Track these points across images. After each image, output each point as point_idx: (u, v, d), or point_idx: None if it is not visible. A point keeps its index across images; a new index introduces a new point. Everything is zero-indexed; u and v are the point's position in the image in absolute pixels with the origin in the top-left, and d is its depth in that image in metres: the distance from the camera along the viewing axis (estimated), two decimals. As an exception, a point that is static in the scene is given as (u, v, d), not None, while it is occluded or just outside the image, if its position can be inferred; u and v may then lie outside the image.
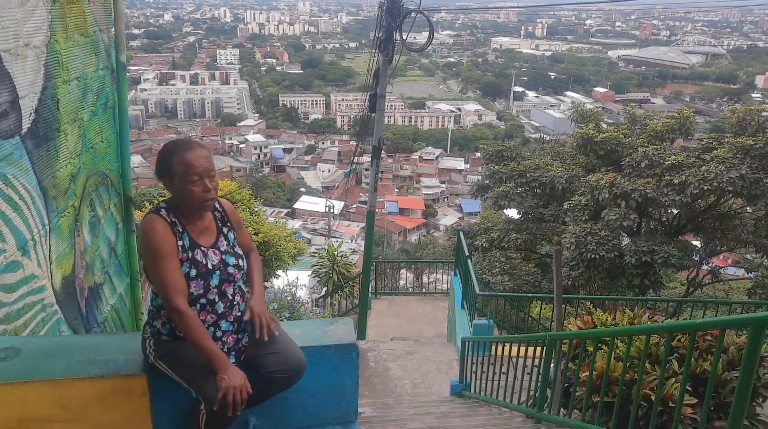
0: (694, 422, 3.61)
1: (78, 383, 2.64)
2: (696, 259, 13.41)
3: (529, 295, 11.12)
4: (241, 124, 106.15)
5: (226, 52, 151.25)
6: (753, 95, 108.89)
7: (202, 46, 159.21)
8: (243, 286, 2.75)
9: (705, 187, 11.52)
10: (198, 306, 2.54)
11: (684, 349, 4.12)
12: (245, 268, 2.71)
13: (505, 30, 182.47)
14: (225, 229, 2.70)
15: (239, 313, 2.67)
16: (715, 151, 12.39)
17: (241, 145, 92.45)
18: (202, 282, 2.52)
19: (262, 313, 2.66)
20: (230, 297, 2.62)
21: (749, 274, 13.56)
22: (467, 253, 8.77)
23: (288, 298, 8.48)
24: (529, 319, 10.35)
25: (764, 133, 12.60)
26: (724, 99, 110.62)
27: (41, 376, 2.62)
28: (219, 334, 2.59)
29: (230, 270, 2.61)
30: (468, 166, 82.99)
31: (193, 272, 2.50)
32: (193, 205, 2.50)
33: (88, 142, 3.93)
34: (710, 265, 14.78)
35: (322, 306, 11.59)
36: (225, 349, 2.60)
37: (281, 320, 3.39)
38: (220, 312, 2.58)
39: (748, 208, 13.19)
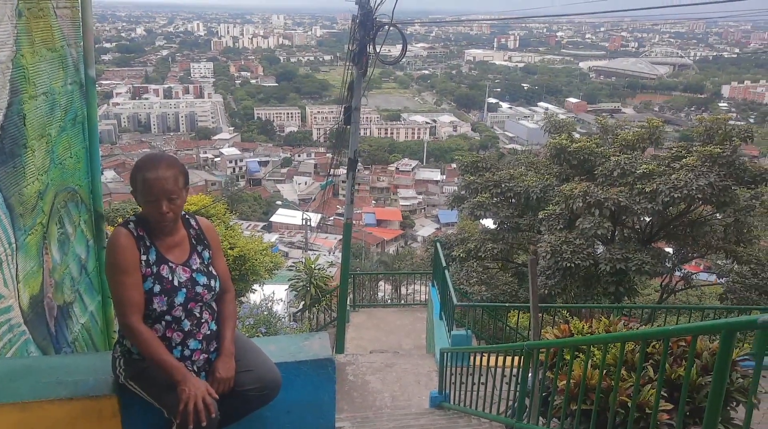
0: (670, 428, 3.64)
1: (46, 406, 2.57)
2: (669, 265, 13.64)
3: (507, 304, 11.18)
4: (216, 137, 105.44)
5: (199, 65, 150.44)
6: (719, 104, 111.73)
7: (176, 60, 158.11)
8: (213, 305, 2.69)
9: (675, 195, 11.74)
10: (163, 323, 2.48)
11: (659, 355, 4.16)
12: (217, 289, 2.65)
13: (479, 42, 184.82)
14: (200, 247, 2.64)
15: (209, 332, 2.61)
16: (684, 160, 12.65)
17: (216, 159, 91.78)
18: (166, 298, 2.46)
19: (225, 380, 2.54)
20: (197, 315, 2.56)
21: (720, 279, 13.82)
22: (444, 264, 8.78)
23: (264, 313, 8.39)
24: (507, 328, 10.38)
25: (731, 141, 12.92)
26: (692, 108, 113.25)
27: (8, 399, 2.54)
28: (187, 352, 2.54)
29: (199, 289, 2.55)
30: (444, 177, 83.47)
31: (157, 288, 2.45)
32: (152, 222, 2.46)
33: (57, 158, 3.86)
34: (683, 271, 15.03)
35: (299, 320, 11.49)
36: (195, 369, 2.54)
37: (257, 336, 3.35)
38: (186, 330, 2.53)
39: (717, 214, 13.47)
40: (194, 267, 2.57)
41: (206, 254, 2.65)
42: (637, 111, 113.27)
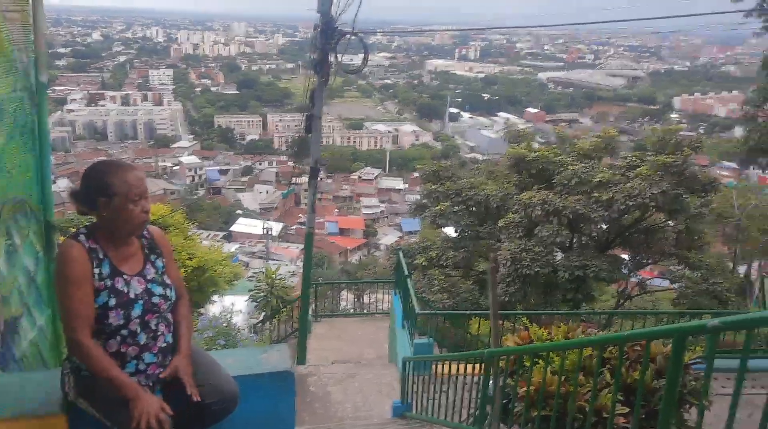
0: (626, 431, 3.72)
1: (-11, 426, 2.46)
2: (625, 271, 13.99)
3: (468, 312, 11.25)
4: (175, 145, 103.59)
5: (158, 72, 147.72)
6: (671, 116, 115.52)
7: (134, 66, 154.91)
8: (169, 317, 2.63)
9: (630, 203, 12.07)
10: (118, 337, 2.41)
11: (616, 360, 4.25)
12: (173, 298, 2.60)
13: (440, 53, 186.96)
14: (153, 257, 2.59)
15: (165, 344, 2.55)
16: (638, 169, 13.02)
17: (175, 167, 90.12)
18: (123, 312, 2.39)
19: (187, 374, 2.51)
20: (154, 327, 2.50)
21: (674, 284, 14.25)
22: (407, 273, 8.79)
23: (223, 325, 8.24)
24: (469, 336, 10.45)
25: (682, 151, 13.36)
26: (646, 119, 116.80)
27: (-52, 420, 2.42)
28: (142, 366, 2.47)
29: (155, 300, 2.49)
30: (407, 185, 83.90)
31: (113, 301, 2.38)
32: (128, 227, 2.40)
33: (4, 167, 3.71)
34: (638, 277, 15.42)
35: (260, 332, 11.33)
36: (149, 383, 2.48)
37: (216, 348, 3.29)
38: (142, 343, 2.46)
39: (670, 222, 13.90)
40: (149, 277, 2.51)
41: (160, 263, 2.59)
42: (594, 121, 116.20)
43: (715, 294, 12.35)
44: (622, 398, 3.90)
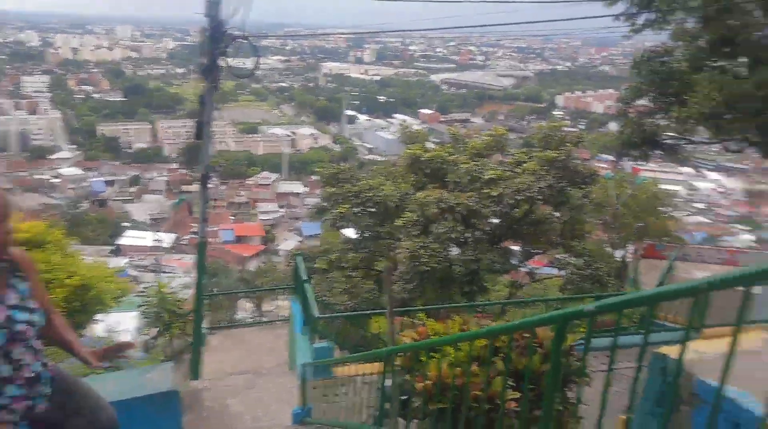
0: (518, 414, 3.84)
1: None
2: (516, 262, 14.64)
3: (366, 312, 11.30)
4: (54, 156, 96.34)
5: (33, 78, 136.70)
6: (555, 113, 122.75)
7: (5, 73, 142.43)
8: (36, 344, 2.37)
9: (519, 197, 12.65)
10: None
11: (506, 349, 4.41)
12: (41, 322, 2.35)
13: (335, 55, 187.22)
14: (15, 281, 2.33)
15: (32, 375, 2.30)
16: (525, 165, 13.66)
17: (54, 180, 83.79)
18: None
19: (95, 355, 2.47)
20: (18, 357, 2.25)
21: (561, 272, 15.08)
22: (305, 277, 8.66)
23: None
24: (369, 335, 10.48)
25: (565, 146, 14.18)
26: (533, 117, 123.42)
27: None
28: (5, 401, 2.21)
29: (19, 327, 2.25)
30: (307, 189, 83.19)
31: None
32: None
33: None
34: (529, 267, 16.19)
35: (151, 349, 10.72)
36: (15, 418, 2.22)
37: (97, 372, 3.04)
38: (4, 376, 2.21)
39: (556, 213, 14.72)
40: (10, 303, 2.26)
41: (23, 287, 2.34)
42: (485, 120, 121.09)
43: (597, 278, 13.22)
44: (513, 384, 4.05)
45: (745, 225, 56.79)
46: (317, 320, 7.63)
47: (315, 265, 13.79)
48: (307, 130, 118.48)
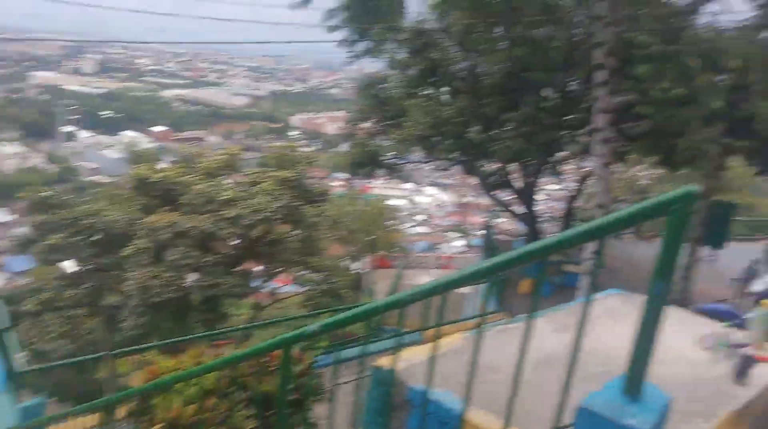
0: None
1: None
2: (258, 284, 14.56)
3: (88, 356, 9.98)
4: None
5: None
6: (291, 133, 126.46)
7: None
8: None
9: (256, 218, 12.59)
10: None
11: (248, 375, 4.28)
12: None
13: (48, 64, 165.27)
14: None
15: None
16: (261, 185, 13.68)
17: None
18: None
19: None
20: None
21: (302, 289, 15.44)
22: (6, 325, 7.29)
23: None
24: (101, 381, 9.30)
25: (298, 166, 14.58)
26: (270, 136, 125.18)
27: None
28: None
29: None
30: (15, 216, 71.36)
31: None
32: None
33: None
34: (271, 287, 16.24)
35: None
36: None
37: None
38: None
39: (293, 232, 15.03)
40: None
41: None
42: (221, 139, 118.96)
43: (335, 292, 13.85)
44: (255, 411, 3.98)
45: (457, 233, 65.55)
46: (21, 375, 6.47)
47: (24, 308, 11.79)
48: (11, 149, 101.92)
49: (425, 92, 14.62)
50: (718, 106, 10.61)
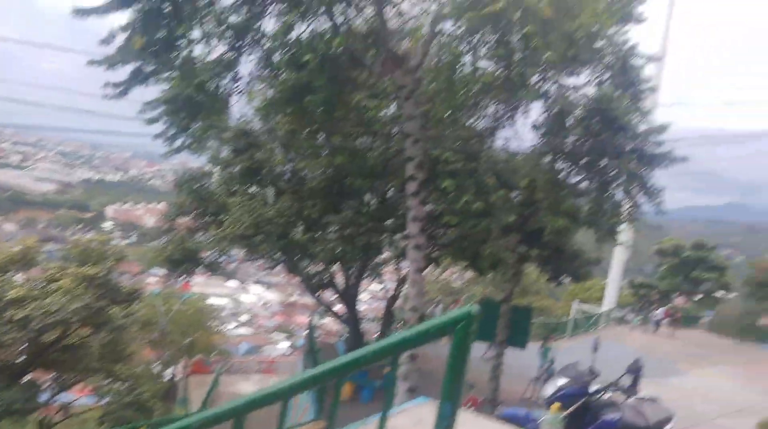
0: None
1: None
2: (46, 397, 12.68)
3: None
4: None
5: None
6: (105, 224, 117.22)
7: None
8: None
9: (50, 321, 11.20)
10: None
11: None
12: None
13: None
14: None
15: None
16: (60, 282, 12.32)
17: None
18: None
19: None
20: None
21: (103, 400, 13.75)
22: None
23: None
24: None
25: (106, 261, 13.42)
26: (79, 226, 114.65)
27: None
28: None
29: None
30: None
31: None
32: None
33: None
34: (65, 399, 14.24)
35: None
36: None
37: None
38: None
39: (95, 335, 13.54)
40: None
41: None
42: (21, 227, 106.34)
43: (141, 404, 12.52)
44: None
45: (283, 333, 63.98)
46: None
47: None
48: None
49: (248, 191, 14.61)
50: (511, 219, 11.98)
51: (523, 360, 16.48)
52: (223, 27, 9.13)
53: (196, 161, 16.03)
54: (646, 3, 11.12)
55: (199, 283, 54.14)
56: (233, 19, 9.36)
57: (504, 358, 16.53)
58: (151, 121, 10.40)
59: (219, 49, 9.65)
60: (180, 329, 24.90)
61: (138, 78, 9.09)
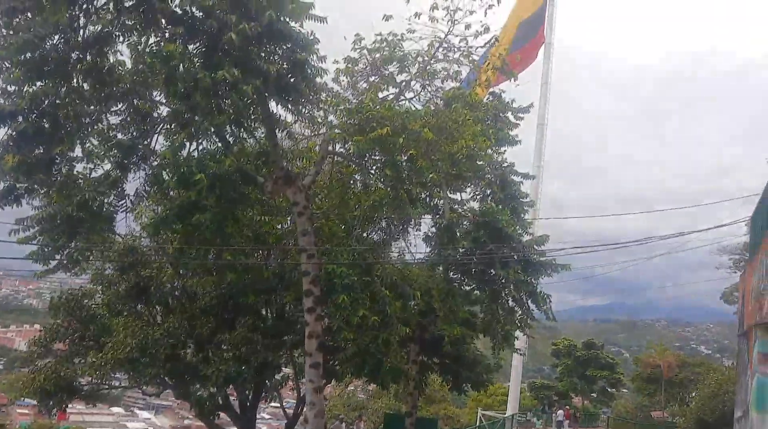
0: None
1: None
2: None
3: None
4: None
5: None
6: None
7: None
8: None
9: None
10: None
11: None
12: None
13: None
14: None
15: None
16: None
17: None
18: None
19: None
20: None
21: None
22: None
23: None
24: None
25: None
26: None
27: None
28: None
29: None
30: None
31: None
32: None
33: None
34: None
35: None
36: None
37: None
38: None
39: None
40: None
41: None
42: None
43: None
44: None
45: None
46: None
47: None
48: None
49: (134, 310, 13.72)
50: (407, 331, 12.00)
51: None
52: (109, 145, 8.95)
53: (77, 279, 14.94)
54: (519, 127, 12.29)
55: (78, 411, 48.74)
56: (120, 137, 9.23)
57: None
58: (24, 240, 9.68)
59: (104, 166, 9.39)
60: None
61: (9, 197, 8.58)
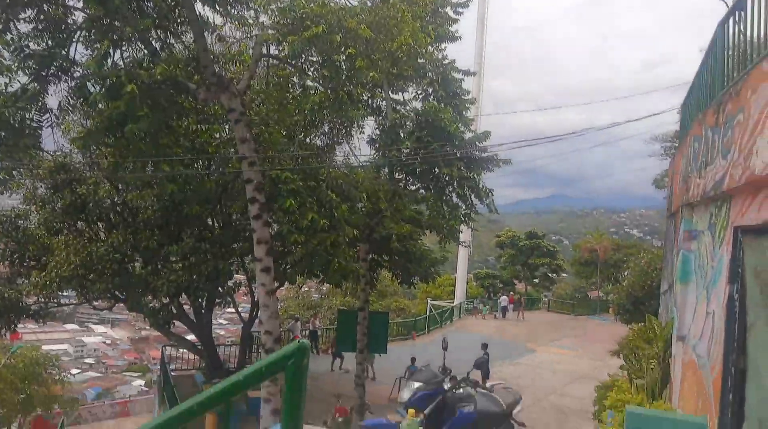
0: None
1: None
2: None
3: None
4: None
5: None
6: None
7: None
8: None
9: None
10: None
11: None
12: None
13: None
14: None
15: None
16: None
17: None
18: None
19: None
20: None
21: None
22: None
23: None
24: None
25: None
26: None
27: None
28: None
29: None
30: None
31: None
32: None
33: None
34: None
35: None
36: None
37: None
38: None
39: None
40: None
41: None
42: None
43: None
44: None
45: (135, 372, 59.40)
46: None
47: None
48: None
49: (74, 228, 13.37)
50: (354, 233, 12.20)
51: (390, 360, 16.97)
52: (22, 56, 8.30)
53: (8, 200, 14.33)
54: (458, 23, 11.98)
55: (30, 330, 48.57)
56: (34, 47, 8.55)
57: (370, 364, 16.87)
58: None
59: (19, 79, 8.77)
60: (11, 386, 22.17)
61: None
